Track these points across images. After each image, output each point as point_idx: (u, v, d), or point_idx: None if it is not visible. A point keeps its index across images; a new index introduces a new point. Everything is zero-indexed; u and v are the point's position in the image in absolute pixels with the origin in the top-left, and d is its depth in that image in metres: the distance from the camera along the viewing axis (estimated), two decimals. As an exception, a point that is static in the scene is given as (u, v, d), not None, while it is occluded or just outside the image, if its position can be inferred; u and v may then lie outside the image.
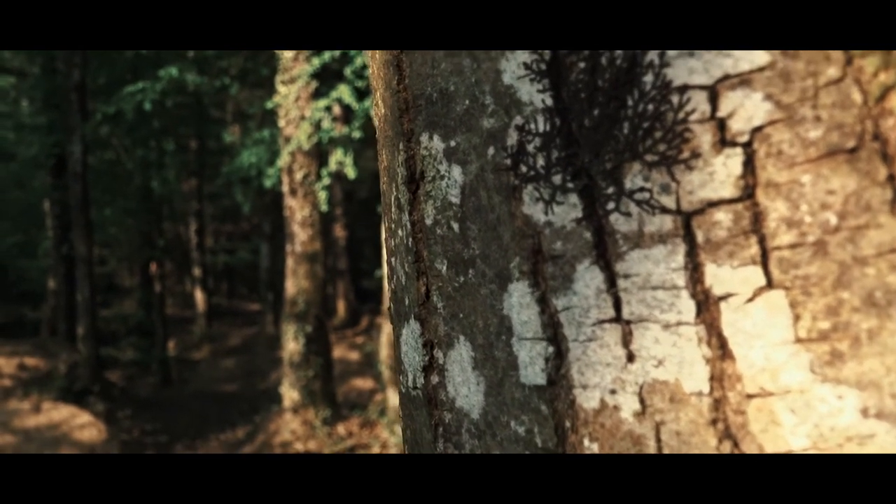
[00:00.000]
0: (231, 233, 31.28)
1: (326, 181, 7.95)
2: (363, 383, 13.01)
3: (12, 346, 11.62)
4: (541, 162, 0.69)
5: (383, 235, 0.91)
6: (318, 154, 8.86)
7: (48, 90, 17.22)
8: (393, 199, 0.85)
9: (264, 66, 12.71)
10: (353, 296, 21.86)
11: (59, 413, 7.97)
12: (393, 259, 0.86)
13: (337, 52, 7.83)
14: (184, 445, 10.15)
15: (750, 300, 0.60)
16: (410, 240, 0.81)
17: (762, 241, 0.60)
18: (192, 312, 24.63)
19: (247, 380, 14.55)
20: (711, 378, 0.62)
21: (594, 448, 0.68)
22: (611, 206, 0.66)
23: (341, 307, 20.61)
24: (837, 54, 0.58)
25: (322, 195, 8.34)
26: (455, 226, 0.76)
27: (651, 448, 0.65)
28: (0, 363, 11.04)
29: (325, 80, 8.84)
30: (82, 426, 7.74)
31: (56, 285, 18.37)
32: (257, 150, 9.72)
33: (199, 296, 20.93)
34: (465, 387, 0.77)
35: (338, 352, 12.11)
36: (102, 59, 14.66)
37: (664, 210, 0.63)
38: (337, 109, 8.99)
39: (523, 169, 0.70)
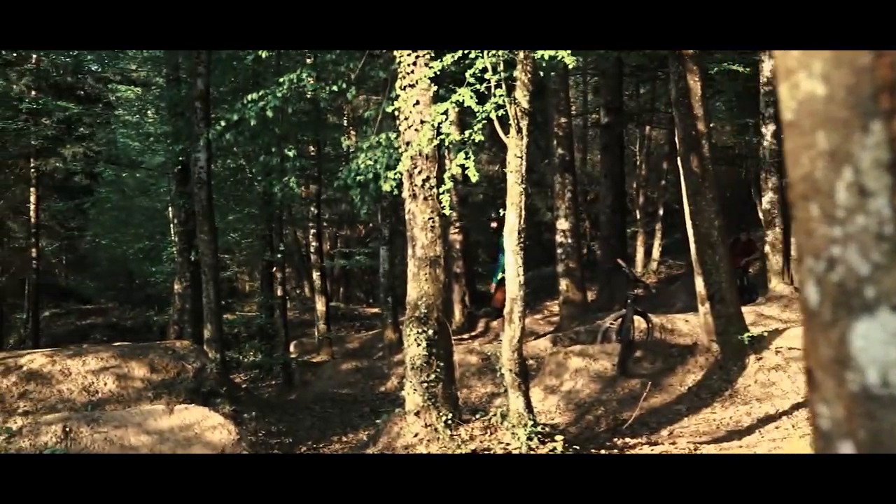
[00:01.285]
0: (348, 237, 31.78)
1: (449, 185, 8.04)
2: (482, 387, 13.06)
3: (142, 350, 12.04)
4: None
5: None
6: (438, 158, 8.95)
7: (173, 100, 17.85)
8: (843, 186, 0.79)
9: (382, 69, 12.88)
10: (468, 300, 21.96)
11: (190, 415, 8.24)
12: (837, 249, 0.81)
13: (457, 55, 7.90)
14: (307, 447, 10.38)
15: None
16: (891, 226, 0.75)
17: None
18: (311, 316, 25.12)
19: (366, 383, 14.76)
20: None
21: None
22: None
23: (457, 311, 20.72)
24: None
25: (444, 199, 8.44)
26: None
27: None
28: (132, 365, 11.46)
29: (442, 83, 8.94)
30: (213, 427, 7.99)
31: (181, 289, 18.98)
32: (374, 154, 9.86)
33: (318, 299, 21.31)
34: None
35: (456, 355, 12.18)
36: (225, 67, 15.12)
37: None
38: (451, 113, 9.06)
39: None
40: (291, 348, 19.91)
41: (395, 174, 8.88)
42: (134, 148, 28.84)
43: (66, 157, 24.91)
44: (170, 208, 24.22)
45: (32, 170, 24.20)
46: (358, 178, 9.92)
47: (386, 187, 9.37)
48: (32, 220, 24.62)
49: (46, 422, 8.07)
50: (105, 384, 11.14)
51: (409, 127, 8.77)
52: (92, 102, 24.60)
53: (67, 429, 7.81)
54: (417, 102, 8.72)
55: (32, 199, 24.44)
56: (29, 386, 10.99)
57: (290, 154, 12.85)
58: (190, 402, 9.86)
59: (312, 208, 20.87)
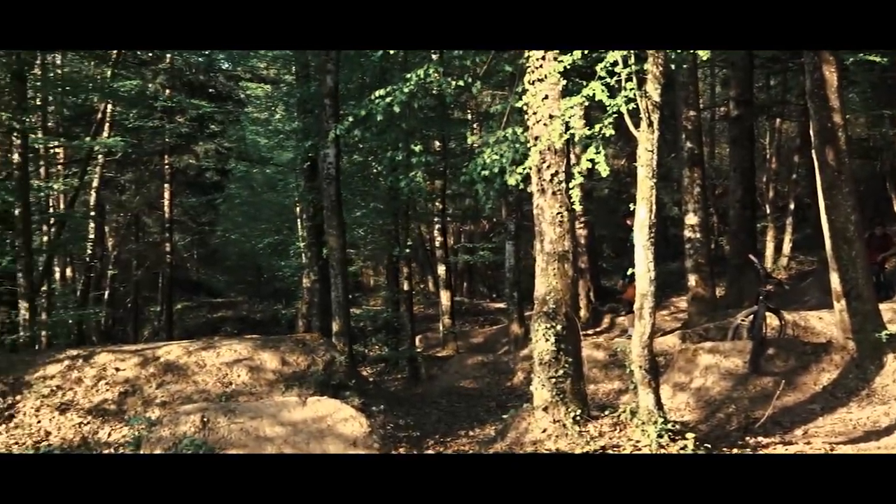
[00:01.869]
0: (472, 232, 31.94)
1: (579, 180, 8.03)
2: (609, 384, 12.99)
3: (273, 343, 12.39)
4: None
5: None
6: (566, 152, 8.95)
7: (302, 97, 18.28)
8: None
9: (508, 64, 12.93)
10: (593, 295, 21.84)
11: (323, 406, 8.45)
12: None
13: (586, 50, 7.88)
14: (435, 441, 10.51)
15: None
16: None
17: None
18: (435, 311, 25.37)
19: (492, 377, 14.85)
20: None
21: None
22: None
23: (582, 306, 20.63)
24: None
25: (574, 194, 8.44)
26: None
27: None
28: (264, 357, 11.80)
29: (569, 77, 8.92)
30: (345, 420, 8.18)
31: (310, 284, 19.43)
32: (500, 149, 9.90)
33: (443, 294, 21.51)
34: None
35: (583, 351, 12.14)
36: (353, 64, 15.41)
37: None
38: (578, 107, 9.02)
39: None
40: (417, 342, 20.15)
41: (523, 169, 8.91)
42: (263, 144, 29.52)
43: (198, 154, 25.73)
44: (297, 204, 24.75)
45: (167, 166, 25.08)
46: (483, 172, 9.97)
47: (511, 181, 9.41)
48: (166, 215, 25.53)
49: (185, 412, 8.39)
50: (238, 376, 11.51)
51: (538, 122, 8.79)
52: (223, 100, 25.34)
53: (205, 419, 8.11)
54: (546, 97, 8.73)
55: (166, 194, 25.35)
56: (166, 377, 11.44)
57: (416, 149, 12.99)
58: (320, 395, 10.11)
59: (437, 203, 21.07)
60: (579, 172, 8.00)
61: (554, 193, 8.78)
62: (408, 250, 18.11)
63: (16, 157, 15.85)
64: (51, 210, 21.86)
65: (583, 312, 20.31)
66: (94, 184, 22.50)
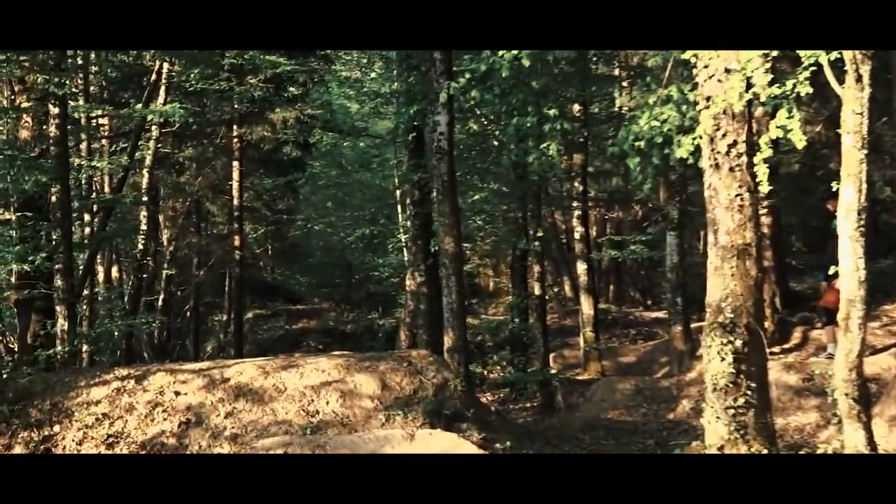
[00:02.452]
0: (619, 221, 31.71)
1: (766, 152, 7.93)
2: (804, 416, 12.82)
3: (370, 361, 12.54)
4: None
5: None
6: (747, 117, 8.85)
7: (405, 50, 18.41)
8: None
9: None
10: (779, 302, 21.48)
11: (435, 442, 8.57)
12: None
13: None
14: (577, 487, 10.52)
15: None
16: None
17: None
18: (573, 321, 25.30)
19: (649, 407, 14.79)
20: None
21: None
22: None
23: (767, 316, 20.33)
24: None
25: (760, 171, 8.32)
26: None
27: None
28: (359, 380, 11.95)
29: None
30: (464, 459, 8.27)
31: (414, 286, 19.59)
32: (661, 112, 9.83)
33: (583, 300, 21.43)
34: None
35: (770, 374, 12.00)
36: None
37: None
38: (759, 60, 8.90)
39: None
40: (551, 362, 20.14)
41: (692, 139, 8.85)
42: (355, 111, 29.74)
43: (274, 124, 25.97)
44: (398, 186, 25.00)
45: (235, 139, 25.50)
46: (638, 143, 9.93)
47: (679, 154, 9.33)
48: (235, 200, 25.93)
49: (263, 447, 8.59)
50: (327, 403, 11.65)
51: (711, 77, 8.71)
52: (305, 56, 25.46)
53: (289, 455, 8.29)
54: (721, 45, 8.66)
55: (235, 175, 25.77)
56: (237, 404, 11.61)
57: (551, 114, 12.95)
58: (431, 426, 10.19)
59: (577, 184, 21.02)
60: (765, 143, 7.91)
61: (731, 170, 8.69)
62: (538, 244, 18.10)
63: (52, 129, 16.02)
64: (94, 195, 22.38)
65: (767, 324, 20.02)
66: (147, 162, 22.87)
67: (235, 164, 25.68)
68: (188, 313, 29.49)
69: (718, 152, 8.73)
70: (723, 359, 8.62)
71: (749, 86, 8.30)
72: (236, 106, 24.67)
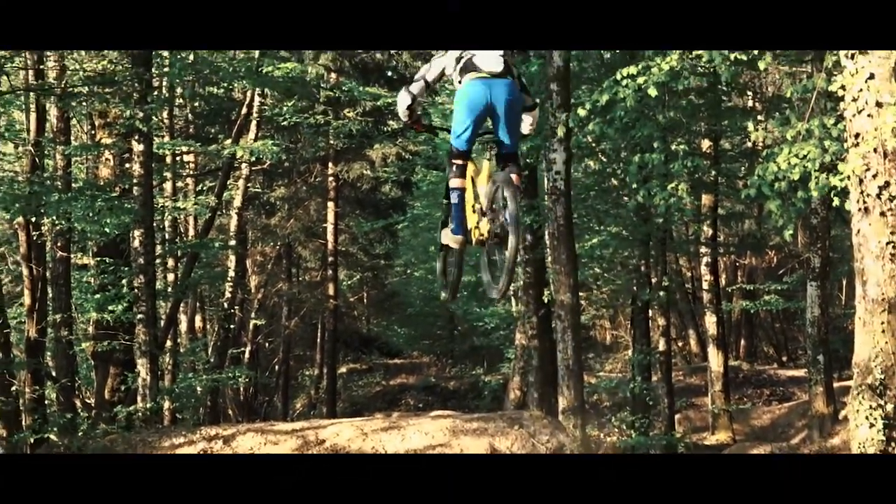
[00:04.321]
0: (751, 268, 31.40)
1: (924, 194, 7.84)
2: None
3: (478, 422, 12.53)
4: None
5: None
6: (902, 155, 8.76)
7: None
8: None
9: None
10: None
11: (552, 511, 8.52)
12: None
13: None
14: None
15: None
16: None
17: None
18: (699, 379, 25.06)
19: (789, 479, 14.56)
20: None
21: None
22: None
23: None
24: None
25: (917, 214, 8.23)
26: None
27: None
28: (466, 443, 11.93)
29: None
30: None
31: (525, 340, 19.52)
32: (802, 148, 9.76)
33: (712, 356, 21.23)
34: None
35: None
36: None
37: None
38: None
39: None
40: (676, 424, 19.95)
41: (840, 178, 8.79)
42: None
43: (373, 161, 26.22)
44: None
45: (330, 178, 25.77)
46: (777, 183, 9.88)
47: (815, 194, 9.27)
48: (329, 244, 26.20)
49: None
50: (432, 468, 11.70)
51: (860, 111, 8.65)
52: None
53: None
54: (872, 76, 8.59)
55: (330, 216, 26.04)
56: (334, 467, 11.73)
57: (680, 149, 12.92)
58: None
59: (706, 227, 20.85)
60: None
61: (882, 214, 8.61)
62: (663, 293, 17.98)
63: (136, 167, 16.10)
64: (178, 239, 22.62)
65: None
66: (236, 203, 23.22)
67: (330, 204, 25.95)
68: (277, 367, 29.69)
69: (868, 195, 8.64)
70: (871, 425, 8.52)
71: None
72: (332, 141, 24.93)
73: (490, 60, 6.87)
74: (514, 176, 6.65)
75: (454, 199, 6.92)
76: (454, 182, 6.95)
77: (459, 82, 6.88)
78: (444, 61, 7.13)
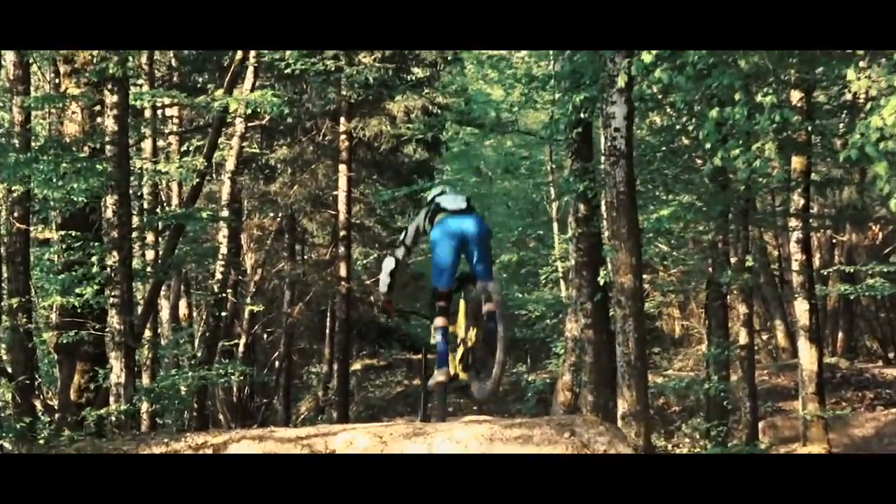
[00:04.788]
0: (851, 246, 31.27)
1: None
2: None
3: (520, 429, 12.51)
4: None
5: None
6: None
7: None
8: None
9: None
10: None
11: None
12: None
13: None
14: None
15: None
16: None
17: None
18: (787, 379, 25.02)
19: (894, 498, 14.54)
20: None
21: None
22: None
23: None
24: None
25: None
26: None
27: None
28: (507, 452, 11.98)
29: None
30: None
31: (576, 330, 19.51)
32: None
33: (803, 351, 21.11)
34: None
35: None
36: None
37: None
38: None
39: None
40: (760, 434, 19.93)
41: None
42: (499, 99, 29.68)
43: (393, 116, 26.11)
44: (556, 198, 24.92)
45: (342, 137, 25.69)
46: (883, 142, 9.84)
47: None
48: (341, 216, 26.12)
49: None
50: (464, 483, 11.70)
51: None
52: (433, 26, 25.59)
53: (416, 550, 8.33)
54: None
55: (342, 182, 25.96)
56: (347, 481, 11.75)
57: (766, 101, 12.75)
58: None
59: (796, 196, 20.75)
60: None
61: None
62: (746, 276, 17.93)
63: (108, 122, 15.75)
64: (160, 208, 22.58)
65: None
66: (229, 166, 23.07)
67: (342, 168, 25.87)
68: (277, 363, 29.76)
69: None
70: None
71: None
72: (344, 92, 24.82)
73: (455, 200, 9.32)
74: (489, 304, 8.96)
75: (438, 338, 9.11)
76: (438, 321, 9.13)
77: (430, 227, 9.10)
78: (417, 221, 9.58)
